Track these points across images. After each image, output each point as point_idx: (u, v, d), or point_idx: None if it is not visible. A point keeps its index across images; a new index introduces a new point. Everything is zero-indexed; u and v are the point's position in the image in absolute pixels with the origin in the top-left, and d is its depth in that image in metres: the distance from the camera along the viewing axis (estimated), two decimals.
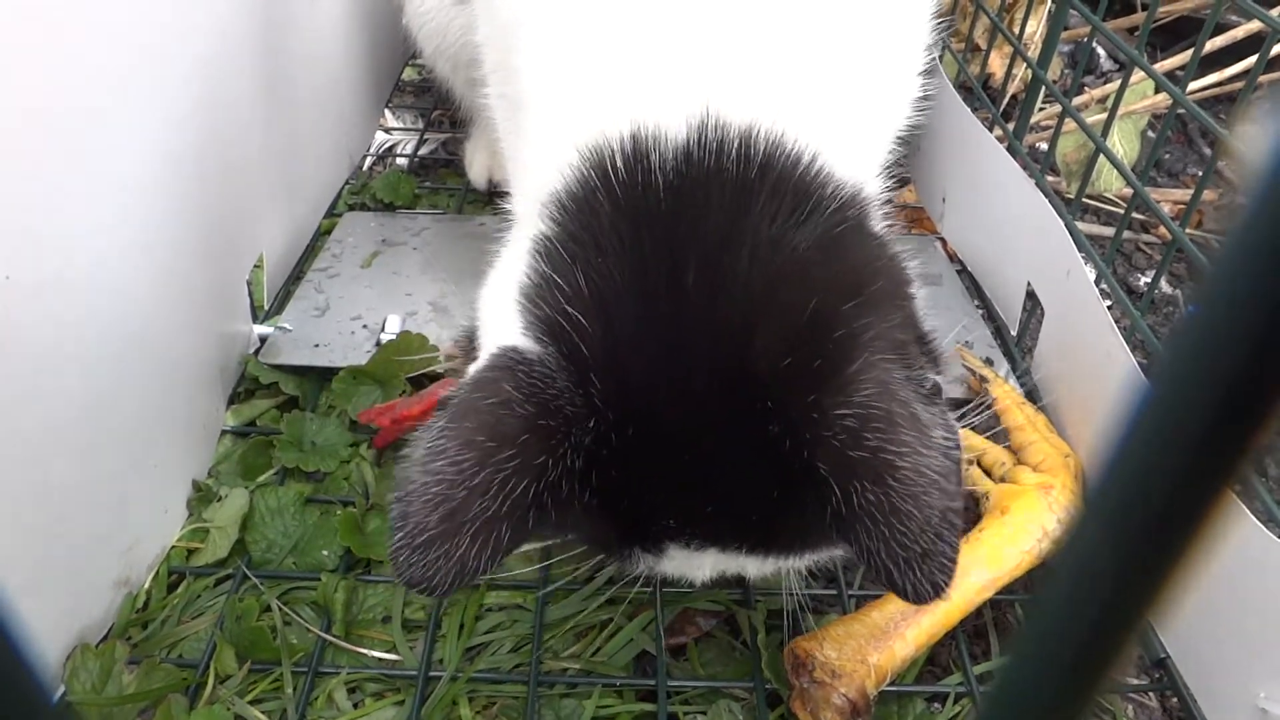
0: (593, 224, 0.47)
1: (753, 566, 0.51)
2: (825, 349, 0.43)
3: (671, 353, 0.45)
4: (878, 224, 0.53)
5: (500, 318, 0.50)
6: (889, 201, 0.55)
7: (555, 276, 0.47)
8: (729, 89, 0.48)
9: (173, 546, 0.70)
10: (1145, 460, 0.13)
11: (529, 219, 0.53)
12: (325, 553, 0.69)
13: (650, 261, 0.46)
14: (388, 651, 0.65)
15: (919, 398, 0.44)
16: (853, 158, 0.51)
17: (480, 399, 0.44)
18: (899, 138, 0.60)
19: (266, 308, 0.88)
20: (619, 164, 0.47)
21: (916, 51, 0.60)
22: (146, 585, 0.67)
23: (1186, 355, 0.12)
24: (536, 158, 0.54)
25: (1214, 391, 0.12)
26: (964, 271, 0.99)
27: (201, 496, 0.73)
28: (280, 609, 0.65)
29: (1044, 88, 0.90)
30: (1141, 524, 0.14)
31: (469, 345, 0.54)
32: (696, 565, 0.51)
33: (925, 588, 0.41)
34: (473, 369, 0.48)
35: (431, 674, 0.63)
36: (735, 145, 0.47)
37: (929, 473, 0.41)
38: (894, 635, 0.60)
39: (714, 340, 0.45)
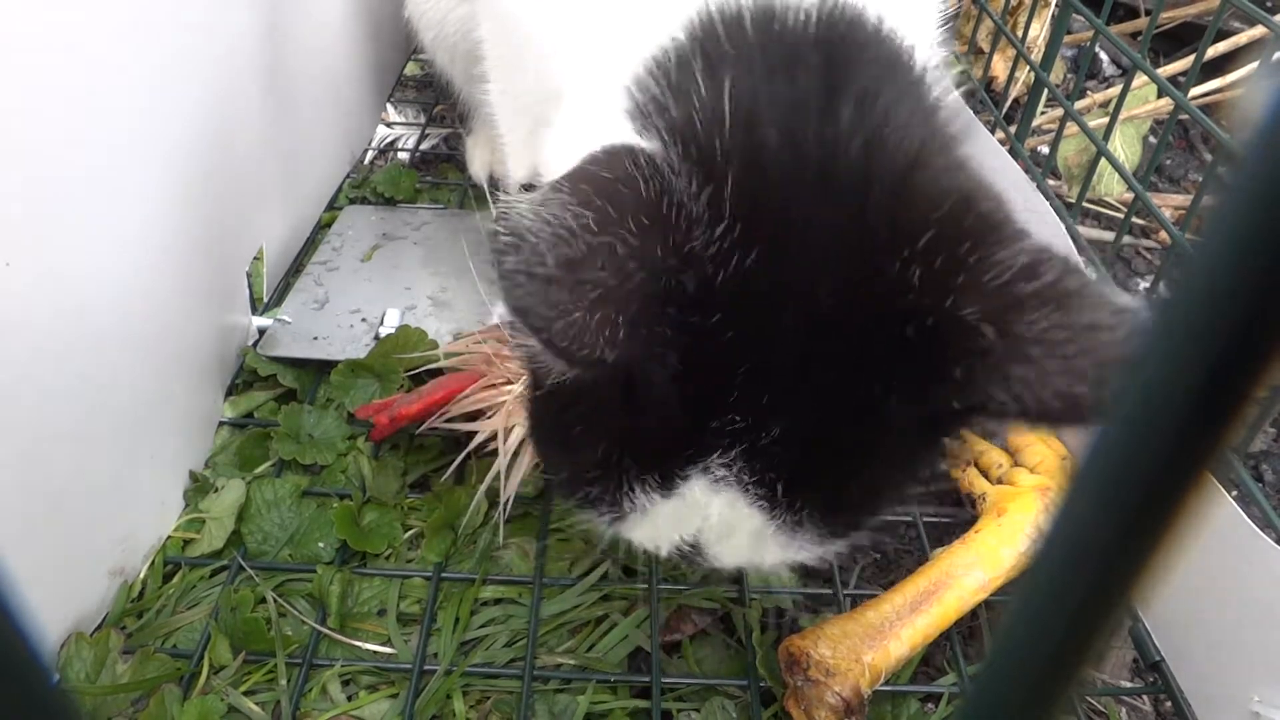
0: (734, 39, 0.43)
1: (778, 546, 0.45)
2: (990, 208, 0.40)
3: (820, 173, 0.40)
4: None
5: (596, 135, 0.43)
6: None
7: (683, 81, 0.42)
8: None
9: (169, 537, 0.70)
10: (1131, 434, 0.14)
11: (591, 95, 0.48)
12: (321, 545, 0.69)
13: (803, 79, 0.41)
14: (382, 644, 0.64)
15: None
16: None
17: (598, 170, 0.38)
18: None
19: (266, 300, 0.88)
20: (753, 12, 0.44)
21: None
22: (142, 575, 0.67)
23: (1172, 329, 0.12)
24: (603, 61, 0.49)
25: (1200, 363, 0.12)
26: None
27: (198, 487, 0.73)
28: (275, 600, 0.65)
29: (1046, 91, 0.90)
30: (1127, 497, 0.14)
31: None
32: (731, 517, 0.45)
33: None
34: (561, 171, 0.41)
35: (426, 668, 0.63)
36: (874, 22, 0.45)
37: (1119, 301, 0.37)
38: (889, 635, 0.60)
39: (868, 170, 0.40)
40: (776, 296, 0.40)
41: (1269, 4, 1.21)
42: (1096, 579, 0.14)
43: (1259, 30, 1.07)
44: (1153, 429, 0.13)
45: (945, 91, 0.47)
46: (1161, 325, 0.13)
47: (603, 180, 0.38)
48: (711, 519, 0.45)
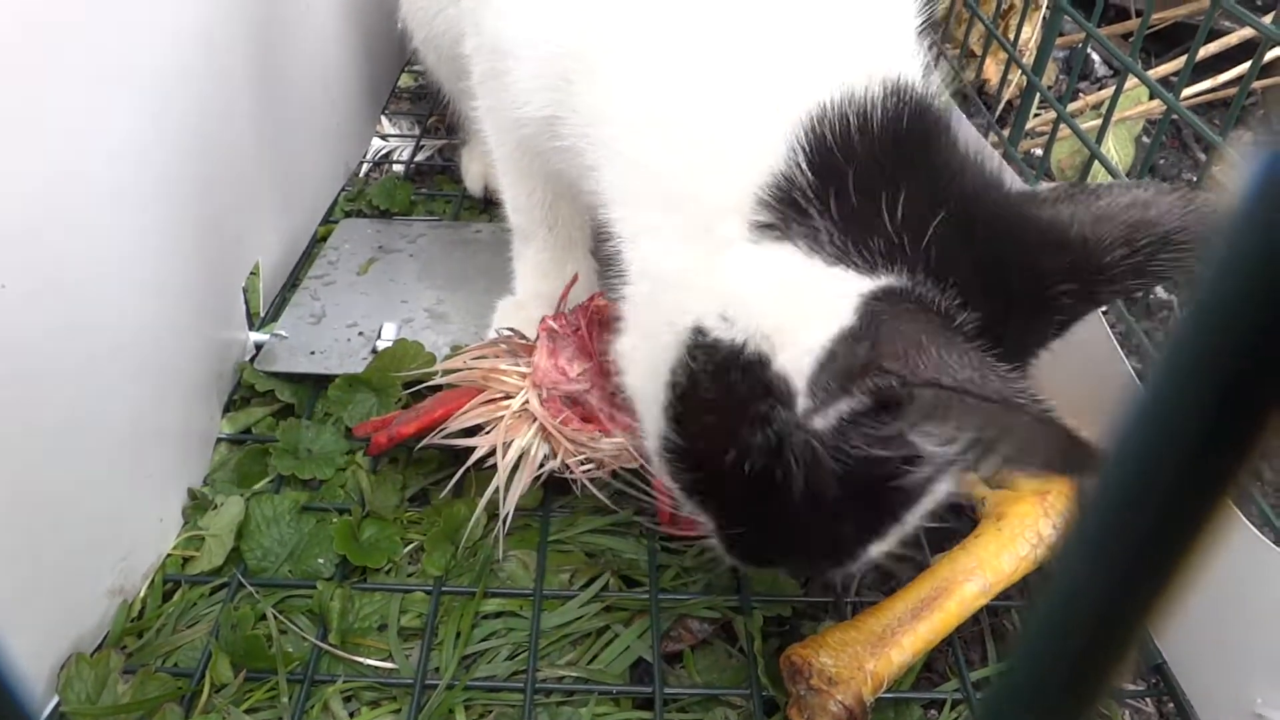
0: (848, 154, 0.47)
1: None
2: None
3: (985, 234, 0.47)
4: None
5: (797, 294, 0.47)
6: None
7: (859, 207, 0.46)
8: (876, 57, 0.50)
9: (168, 555, 0.69)
10: (1139, 470, 0.13)
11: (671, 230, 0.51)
12: (321, 560, 0.69)
13: (920, 168, 0.47)
14: (384, 660, 0.64)
15: None
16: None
17: (910, 315, 0.44)
18: None
19: (262, 315, 0.88)
20: (851, 121, 0.48)
21: None
22: (142, 594, 0.67)
23: (1180, 367, 0.12)
24: (706, 164, 0.51)
25: (1207, 403, 0.12)
26: None
27: (197, 504, 0.72)
28: (276, 617, 0.65)
29: (1039, 94, 0.90)
30: (1136, 533, 0.14)
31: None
32: None
33: None
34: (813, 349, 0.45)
35: (428, 682, 0.62)
36: (914, 104, 0.49)
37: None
38: (891, 642, 0.60)
39: (1003, 227, 0.48)
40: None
41: (1259, 3, 1.21)
42: (1103, 614, 0.14)
43: (1249, 31, 1.07)
44: (1161, 464, 0.13)
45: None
46: (1169, 359, 0.13)
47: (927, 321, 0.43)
48: None
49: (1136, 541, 0.14)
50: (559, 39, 0.58)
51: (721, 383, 0.48)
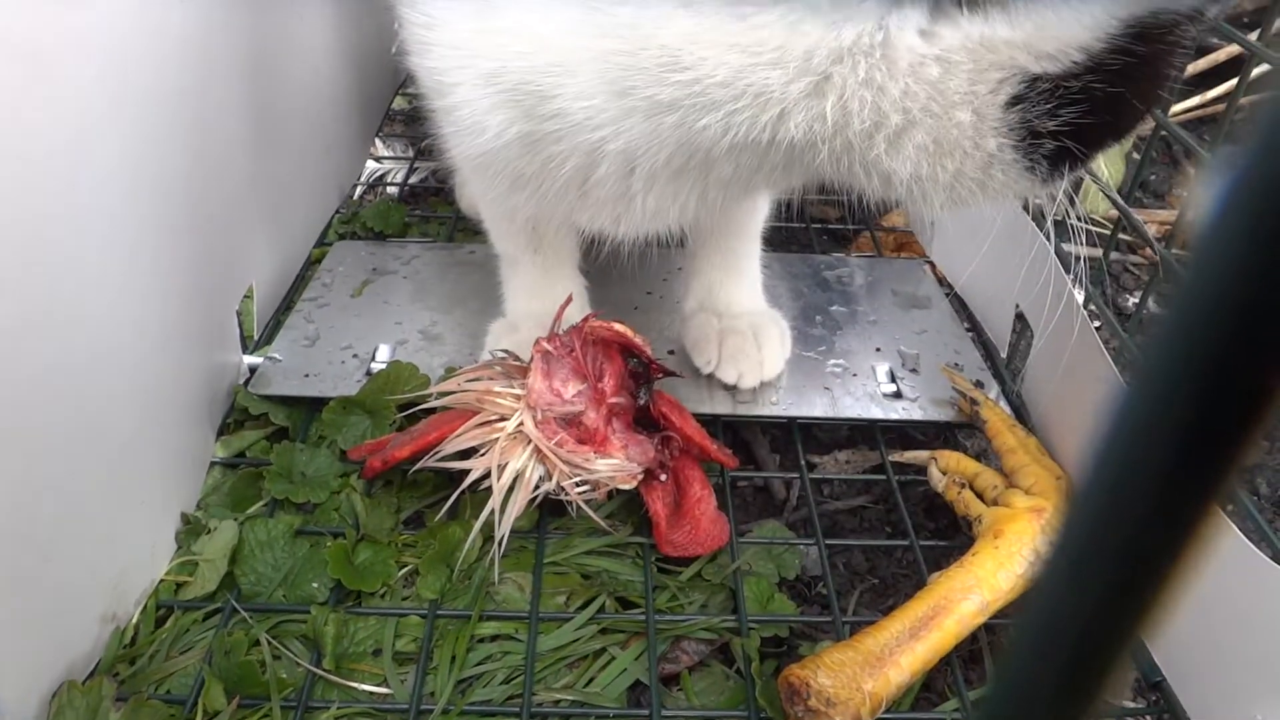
0: None
1: None
2: None
3: None
4: None
5: None
6: None
7: None
8: None
9: (161, 580, 0.69)
10: (1119, 483, 0.13)
11: None
12: (315, 585, 0.69)
13: None
14: (379, 685, 0.64)
15: None
16: None
17: None
18: None
19: (256, 338, 0.88)
20: None
21: None
22: (134, 619, 0.66)
23: (1158, 376, 0.12)
24: None
25: (1185, 411, 0.12)
26: (953, 295, 1.00)
27: (190, 529, 0.72)
28: (269, 643, 0.65)
29: None
30: (1119, 544, 0.14)
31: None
32: None
33: None
34: None
35: (423, 707, 0.62)
36: None
37: None
38: (889, 662, 0.59)
39: None
40: None
41: (1246, 19, 1.22)
42: (1093, 623, 0.14)
43: (1237, 48, 1.08)
44: (1144, 469, 0.13)
45: None
46: (1149, 366, 0.13)
47: None
48: None
49: (1119, 552, 0.13)
50: None
51: None
